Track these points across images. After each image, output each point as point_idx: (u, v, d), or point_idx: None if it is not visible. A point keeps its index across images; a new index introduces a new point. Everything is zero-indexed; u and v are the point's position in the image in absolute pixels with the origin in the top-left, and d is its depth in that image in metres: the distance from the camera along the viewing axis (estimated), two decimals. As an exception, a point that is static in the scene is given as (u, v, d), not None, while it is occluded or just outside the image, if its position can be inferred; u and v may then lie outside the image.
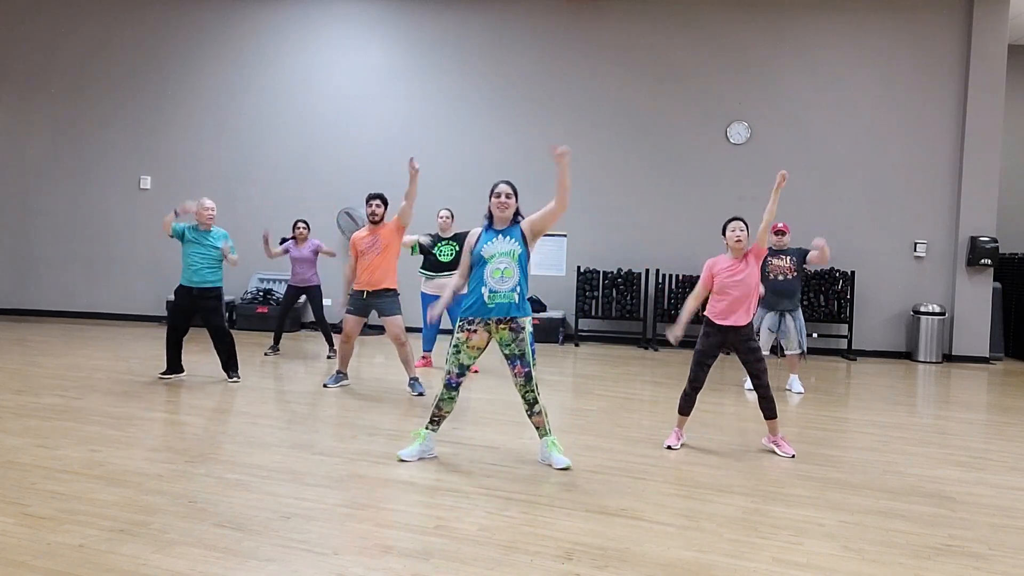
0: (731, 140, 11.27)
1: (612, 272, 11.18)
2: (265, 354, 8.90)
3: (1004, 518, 4.01)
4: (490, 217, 4.66)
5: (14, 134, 12.71)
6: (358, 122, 12.02)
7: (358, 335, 7.04)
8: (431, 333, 8.43)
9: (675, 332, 5.02)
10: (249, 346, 9.56)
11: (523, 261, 4.56)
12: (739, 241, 5.01)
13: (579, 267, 11.20)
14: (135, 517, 3.57)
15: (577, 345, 11.01)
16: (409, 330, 9.72)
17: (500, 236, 4.58)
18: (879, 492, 4.37)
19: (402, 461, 4.62)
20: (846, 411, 6.78)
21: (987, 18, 10.67)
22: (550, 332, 11.03)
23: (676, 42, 11.37)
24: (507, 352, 4.57)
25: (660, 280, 11.14)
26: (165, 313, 11.97)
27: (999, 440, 5.86)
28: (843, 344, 10.97)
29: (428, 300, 8.11)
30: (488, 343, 4.61)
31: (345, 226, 11.57)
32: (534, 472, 4.52)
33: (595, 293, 11.22)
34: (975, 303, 10.79)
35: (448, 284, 7.87)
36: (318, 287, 9.03)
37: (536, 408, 4.63)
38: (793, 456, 5.07)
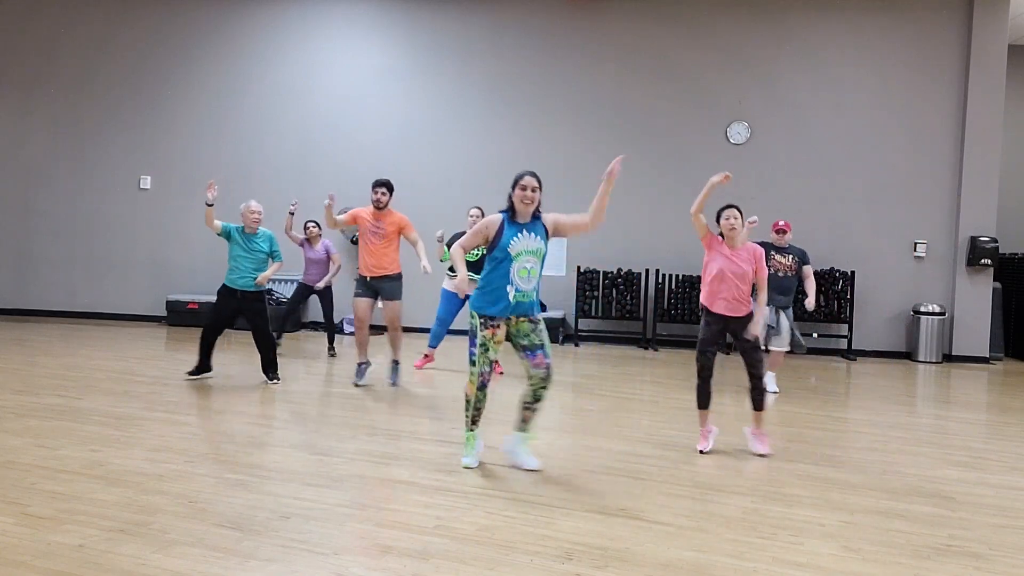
0: (731, 140, 11.27)
1: (612, 272, 11.17)
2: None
3: (1004, 518, 4.01)
4: (510, 209, 4.37)
5: (14, 134, 12.70)
6: (358, 122, 12.02)
7: (371, 319, 7.04)
8: (442, 331, 8.11)
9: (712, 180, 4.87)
10: (247, 346, 9.55)
11: (544, 259, 4.40)
12: (733, 229, 4.96)
13: (579, 267, 11.20)
14: (135, 517, 3.57)
15: (577, 345, 11.00)
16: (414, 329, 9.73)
17: (525, 232, 4.33)
18: (879, 492, 4.37)
19: (468, 468, 4.50)
20: (846, 411, 6.78)
21: (987, 18, 10.67)
22: (550, 332, 10.99)
23: (676, 42, 11.37)
24: (526, 343, 4.37)
25: (660, 280, 11.14)
26: (165, 313, 11.96)
27: (999, 440, 5.86)
28: (843, 344, 10.96)
29: (448, 296, 7.91)
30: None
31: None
32: (534, 472, 4.51)
33: (595, 293, 11.22)
34: (975, 303, 10.79)
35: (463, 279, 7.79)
36: (329, 287, 9.05)
37: (537, 405, 4.52)
38: (765, 456, 5.03)
